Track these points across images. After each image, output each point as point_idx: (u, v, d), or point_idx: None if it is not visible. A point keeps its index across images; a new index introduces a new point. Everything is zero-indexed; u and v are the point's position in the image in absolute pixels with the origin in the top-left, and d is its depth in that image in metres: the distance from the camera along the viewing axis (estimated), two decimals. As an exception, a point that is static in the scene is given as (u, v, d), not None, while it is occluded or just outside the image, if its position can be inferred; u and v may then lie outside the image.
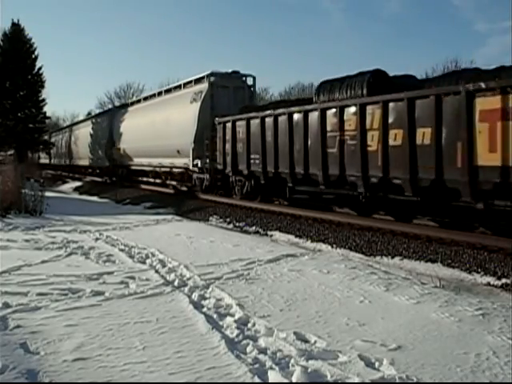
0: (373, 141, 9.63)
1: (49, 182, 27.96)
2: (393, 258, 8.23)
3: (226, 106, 16.82)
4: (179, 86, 20.51)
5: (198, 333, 4.30)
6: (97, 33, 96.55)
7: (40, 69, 32.20)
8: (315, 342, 4.11)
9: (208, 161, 16.47)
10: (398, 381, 3.38)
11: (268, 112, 13.11)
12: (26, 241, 9.07)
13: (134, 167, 25.15)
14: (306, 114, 11.48)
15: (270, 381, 3.40)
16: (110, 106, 46.54)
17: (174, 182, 20.99)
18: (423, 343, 4.09)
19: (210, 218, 13.52)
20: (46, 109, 33.27)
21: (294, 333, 4.24)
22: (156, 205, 16.92)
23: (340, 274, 6.47)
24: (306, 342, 4.12)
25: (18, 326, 4.41)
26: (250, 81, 18.26)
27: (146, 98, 24.97)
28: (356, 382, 3.38)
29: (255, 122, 13.61)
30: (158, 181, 22.78)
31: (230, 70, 17.77)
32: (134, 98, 28.17)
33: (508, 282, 6.52)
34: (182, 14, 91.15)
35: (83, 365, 3.61)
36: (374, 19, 77.59)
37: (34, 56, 31.99)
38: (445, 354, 3.85)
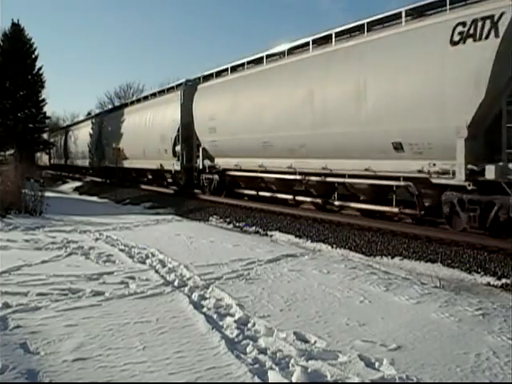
0: None
1: (49, 181, 27.96)
2: (393, 258, 8.24)
3: None
4: (387, 18, 10.20)
5: (198, 333, 4.30)
6: (97, 33, 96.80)
7: (40, 69, 32.29)
8: (315, 342, 4.11)
9: None
10: (397, 381, 3.38)
11: None
12: (26, 241, 9.06)
13: (239, 173, 15.37)
14: None
15: (270, 381, 3.40)
16: (110, 106, 41.68)
17: (357, 205, 11.43)
18: (423, 343, 4.09)
19: (210, 218, 13.53)
20: (45, 109, 33.40)
21: (294, 333, 4.24)
22: (156, 205, 16.94)
23: (340, 274, 6.47)
24: (306, 342, 4.12)
25: (18, 326, 4.41)
26: None
27: (270, 57, 13.70)
28: (356, 382, 3.38)
29: None
30: (308, 199, 12.89)
31: None
32: (240, 61, 15.09)
33: (508, 282, 6.53)
34: (182, 14, 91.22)
35: (83, 365, 3.61)
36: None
37: (33, 56, 32.05)
38: (445, 353, 3.85)
